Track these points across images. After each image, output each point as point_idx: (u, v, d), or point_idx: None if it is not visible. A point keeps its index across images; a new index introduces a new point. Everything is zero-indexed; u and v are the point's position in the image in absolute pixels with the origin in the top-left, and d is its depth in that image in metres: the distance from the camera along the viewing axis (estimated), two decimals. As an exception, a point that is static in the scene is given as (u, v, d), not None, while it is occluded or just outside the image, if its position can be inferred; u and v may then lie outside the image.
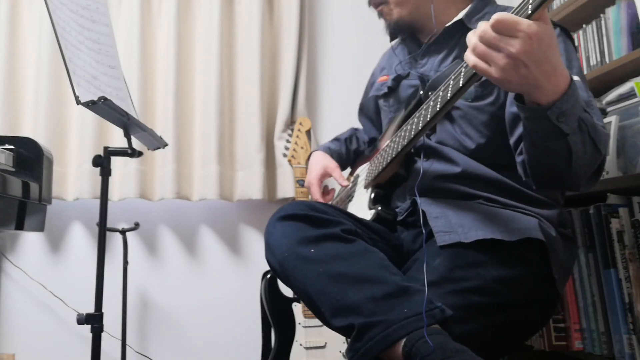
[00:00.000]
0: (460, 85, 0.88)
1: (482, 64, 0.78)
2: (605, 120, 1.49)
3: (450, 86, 0.91)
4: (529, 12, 0.74)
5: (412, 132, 1.05)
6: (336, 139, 1.53)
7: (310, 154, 1.51)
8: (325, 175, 1.40)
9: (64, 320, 2.11)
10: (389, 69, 1.37)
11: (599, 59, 1.64)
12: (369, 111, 1.45)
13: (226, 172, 2.18)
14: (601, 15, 1.63)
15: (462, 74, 0.88)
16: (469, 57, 0.79)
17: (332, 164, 1.40)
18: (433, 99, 0.98)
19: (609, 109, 1.54)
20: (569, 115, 0.82)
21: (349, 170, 1.53)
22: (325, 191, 1.46)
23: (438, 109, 0.95)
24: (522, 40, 0.73)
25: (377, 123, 1.44)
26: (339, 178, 1.37)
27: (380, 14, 1.30)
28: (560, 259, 1.01)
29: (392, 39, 1.40)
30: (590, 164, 0.91)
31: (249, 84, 2.21)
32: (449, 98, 0.91)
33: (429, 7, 1.21)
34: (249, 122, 2.19)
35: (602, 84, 1.57)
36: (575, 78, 0.99)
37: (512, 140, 1.04)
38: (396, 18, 1.26)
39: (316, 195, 1.39)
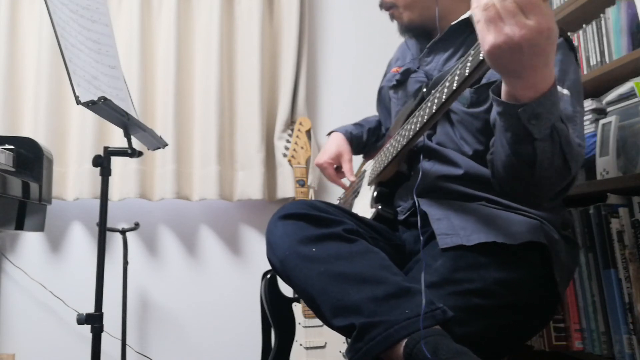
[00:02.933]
0: (454, 88, 0.87)
1: (483, 25, 0.74)
2: (605, 120, 1.49)
3: (446, 88, 0.91)
4: None
5: (411, 132, 1.05)
6: (360, 124, 1.51)
7: (330, 132, 1.51)
8: (337, 161, 1.41)
9: (64, 320, 2.11)
10: (402, 60, 1.37)
11: (599, 59, 1.64)
12: (385, 101, 1.42)
13: (226, 172, 2.18)
14: (601, 15, 1.63)
15: (457, 76, 0.87)
16: (476, 13, 0.75)
17: (347, 155, 1.41)
18: (430, 100, 0.98)
19: (609, 109, 1.54)
20: (542, 120, 0.79)
21: (360, 158, 1.53)
22: (339, 171, 1.46)
23: (434, 111, 0.95)
24: (533, 26, 0.70)
25: (391, 113, 1.43)
26: (347, 172, 1.37)
27: (392, 17, 1.29)
28: (562, 261, 1.00)
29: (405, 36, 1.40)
30: (556, 179, 0.88)
31: (249, 84, 2.21)
32: (443, 100, 0.92)
33: (431, 9, 1.20)
34: (249, 122, 2.19)
35: (602, 84, 1.57)
36: (565, 91, 0.99)
37: (491, 141, 1.01)
38: (407, 21, 1.25)
39: (332, 177, 1.41)
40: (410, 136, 1.05)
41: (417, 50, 1.32)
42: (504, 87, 0.82)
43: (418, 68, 1.26)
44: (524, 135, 0.82)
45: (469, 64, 0.84)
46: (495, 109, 0.85)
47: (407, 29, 1.27)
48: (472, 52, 0.84)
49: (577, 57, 1.10)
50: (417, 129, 1.02)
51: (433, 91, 0.98)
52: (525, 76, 0.76)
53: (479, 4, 0.74)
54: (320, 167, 1.42)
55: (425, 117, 0.98)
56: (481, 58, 0.79)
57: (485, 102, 1.09)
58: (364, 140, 1.48)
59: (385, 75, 1.46)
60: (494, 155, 0.93)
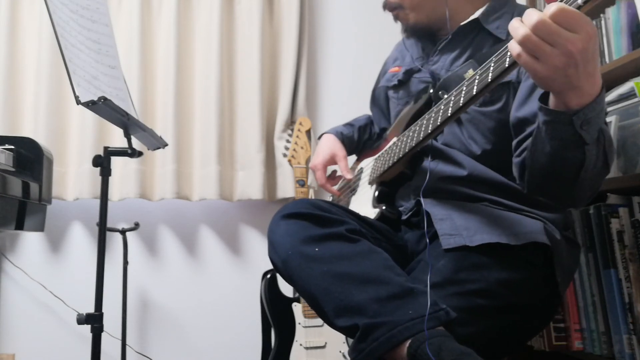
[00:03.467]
0: (474, 93, 0.86)
1: (528, 58, 0.71)
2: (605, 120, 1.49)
3: (463, 92, 0.89)
4: (580, 3, 0.69)
5: (422, 134, 1.04)
6: (350, 124, 1.51)
7: (321, 135, 1.49)
8: (332, 162, 1.40)
9: (64, 320, 2.11)
10: (401, 60, 1.35)
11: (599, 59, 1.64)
12: (380, 101, 1.42)
13: (226, 172, 2.18)
14: (601, 15, 1.63)
15: (477, 81, 0.86)
16: (514, 47, 0.72)
17: (340, 153, 1.39)
18: (445, 102, 0.96)
19: (609, 109, 1.54)
20: (592, 124, 0.78)
21: (354, 158, 1.52)
22: (332, 176, 1.45)
23: (449, 114, 0.93)
24: (584, 37, 0.68)
25: (387, 113, 1.41)
26: (343, 169, 1.36)
27: (397, 18, 1.27)
28: (564, 262, 1.00)
29: (407, 37, 1.39)
30: (596, 179, 0.88)
31: (249, 84, 2.21)
32: (461, 105, 0.89)
33: (444, 8, 1.18)
34: (249, 122, 2.19)
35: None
36: None
37: (514, 141, 1.02)
38: (413, 22, 1.23)
39: (321, 180, 1.38)
40: (421, 138, 1.04)
41: (418, 50, 1.31)
42: (553, 98, 0.79)
43: (421, 67, 1.25)
44: (574, 141, 0.80)
45: (491, 70, 0.82)
46: (541, 118, 0.82)
47: (412, 30, 1.26)
48: (495, 58, 0.83)
49: None
50: (429, 131, 1.01)
51: (447, 95, 0.96)
52: (582, 85, 0.74)
53: (517, 39, 0.71)
54: (314, 169, 1.40)
55: (439, 119, 0.97)
56: (507, 65, 0.77)
57: (498, 101, 1.08)
58: (356, 139, 1.48)
59: (380, 76, 1.45)
60: (532, 161, 0.90)
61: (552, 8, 0.68)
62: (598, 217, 1.37)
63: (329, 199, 1.51)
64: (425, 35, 1.27)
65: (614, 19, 1.59)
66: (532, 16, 0.69)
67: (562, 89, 0.75)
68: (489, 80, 0.82)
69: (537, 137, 0.86)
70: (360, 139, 1.49)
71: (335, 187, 1.44)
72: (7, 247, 2.12)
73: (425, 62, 1.25)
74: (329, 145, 1.42)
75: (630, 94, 1.45)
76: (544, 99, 0.82)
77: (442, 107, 0.97)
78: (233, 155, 2.22)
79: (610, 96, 1.53)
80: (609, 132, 0.84)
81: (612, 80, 1.53)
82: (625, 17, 1.54)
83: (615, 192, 1.37)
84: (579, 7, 0.69)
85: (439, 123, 0.97)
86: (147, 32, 2.19)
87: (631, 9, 1.52)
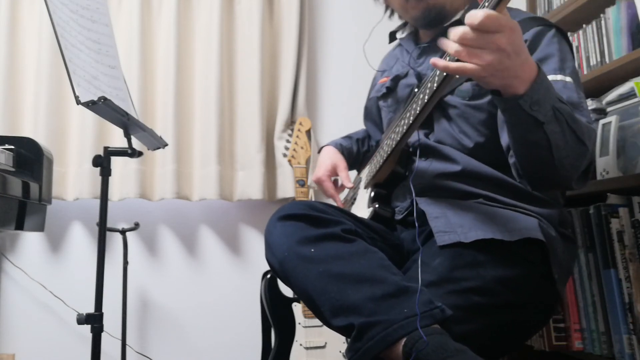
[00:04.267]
0: (445, 74, 0.89)
1: (469, 66, 0.79)
2: (605, 120, 1.49)
3: (437, 76, 0.92)
4: (494, 4, 0.77)
5: (405, 127, 1.06)
6: (348, 137, 1.52)
7: (321, 148, 1.50)
8: (333, 173, 1.40)
9: (64, 320, 2.11)
10: (389, 71, 1.37)
11: (599, 59, 1.64)
12: (373, 114, 1.44)
13: (226, 172, 2.18)
14: (601, 15, 1.63)
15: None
16: (449, 66, 0.81)
17: (342, 164, 1.40)
18: (422, 91, 0.99)
19: (609, 109, 1.54)
20: (542, 104, 0.84)
21: (354, 173, 1.53)
22: (336, 185, 1.46)
23: (426, 100, 0.96)
24: (507, 33, 0.76)
25: (381, 126, 1.44)
26: (344, 179, 1.37)
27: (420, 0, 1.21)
28: (560, 259, 1.01)
29: (390, 41, 1.41)
30: (576, 156, 0.91)
31: (249, 84, 2.21)
32: (435, 88, 0.93)
33: (457, 1, 1.20)
34: (249, 122, 2.19)
35: (602, 84, 1.57)
36: (568, 79, 1.01)
37: (503, 143, 1.05)
38: (441, 3, 1.20)
39: (331, 190, 1.39)
40: (404, 131, 1.06)
41: (405, 54, 1.33)
42: (504, 91, 0.85)
43: (407, 72, 1.26)
44: (532, 123, 0.86)
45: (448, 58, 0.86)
46: (499, 109, 0.90)
47: (429, 13, 1.21)
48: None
49: (569, 42, 1.11)
50: (411, 122, 1.02)
51: (422, 87, 1.00)
52: (520, 73, 0.82)
53: (450, 51, 0.80)
54: (319, 181, 1.40)
55: (418, 108, 0.99)
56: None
57: (487, 94, 1.09)
58: (355, 151, 1.49)
59: (371, 89, 1.47)
60: (515, 156, 0.95)
61: (475, 15, 0.76)
62: (598, 217, 1.37)
63: (329, 199, 1.52)
64: (432, 24, 1.24)
65: (614, 19, 1.58)
66: (457, 31, 0.78)
67: (505, 82, 0.82)
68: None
69: (507, 129, 0.93)
70: (359, 152, 1.50)
71: (341, 199, 1.45)
72: (7, 247, 2.13)
73: (412, 65, 1.27)
74: (330, 156, 1.43)
75: (630, 94, 1.45)
76: (495, 90, 0.87)
77: (421, 95, 0.99)
78: (233, 155, 2.22)
79: (610, 96, 1.53)
80: (567, 109, 0.89)
81: (612, 80, 1.53)
82: (625, 17, 1.54)
83: (615, 192, 1.37)
84: (494, 8, 0.77)
85: (418, 111, 0.99)
86: (147, 32, 2.19)
87: (631, 9, 1.52)
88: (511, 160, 1.00)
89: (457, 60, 0.80)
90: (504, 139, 1.03)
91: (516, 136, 0.91)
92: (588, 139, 0.92)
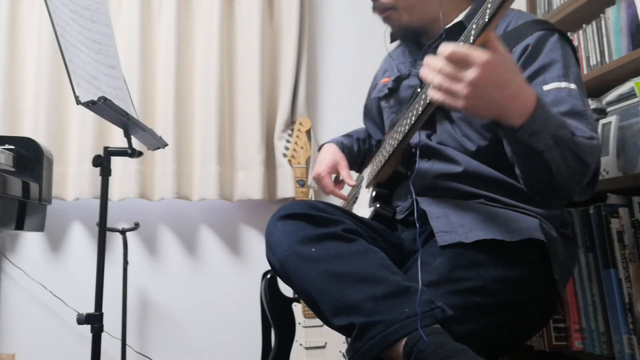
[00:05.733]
0: None
1: (449, 99, 0.81)
2: (605, 120, 1.49)
3: None
4: (471, 40, 0.81)
5: (407, 127, 1.05)
6: (349, 135, 1.52)
7: (322, 145, 1.49)
8: (334, 170, 1.40)
9: (64, 320, 2.11)
10: (390, 71, 1.37)
11: (599, 59, 1.64)
12: (373, 114, 1.44)
13: (226, 172, 2.18)
14: (601, 15, 1.63)
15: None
16: (435, 96, 0.83)
17: (343, 161, 1.40)
18: (424, 92, 0.99)
19: (609, 109, 1.54)
20: (541, 134, 0.86)
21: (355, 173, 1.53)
22: (336, 181, 1.45)
23: (428, 101, 0.95)
24: (478, 67, 0.78)
25: (381, 125, 1.43)
26: (346, 177, 1.36)
27: (387, 20, 1.26)
28: (560, 259, 1.01)
29: (392, 41, 1.40)
30: (578, 175, 0.94)
31: (249, 84, 2.21)
32: None
33: (435, 11, 1.19)
34: (249, 122, 2.19)
35: (602, 84, 1.57)
36: (572, 86, 1.01)
37: (508, 152, 1.04)
38: (405, 23, 1.23)
39: (330, 187, 1.38)
40: (406, 130, 1.05)
41: (405, 57, 1.33)
42: (499, 120, 0.87)
43: (409, 73, 1.26)
44: (531, 152, 0.88)
45: (473, 29, 0.86)
46: (501, 135, 0.93)
47: (403, 32, 1.26)
48: (463, 38, 0.88)
49: (573, 47, 1.11)
50: (413, 122, 1.02)
51: (425, 87, 0.99)
52: (509, 106, 0.83)
53: (432, 84, 0.83)
54: (318, 177, 1.39)
55: (420, 109, 0.99)
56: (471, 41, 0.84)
57: None
58: (355, 150, 1.48)
59: (374, 88, 1.46)
60: (518, 171, 0.98)
61: (445, 52, 0.79)
62: (598, 217, 1.37)
63: (329, 199, 1.52)
64: (413, 37, 1.27)
65: (614, 19, 1.59)
66: (433, 64, 0.81)
67: (493, 113, 0.84)
68: None
69: (509, 151, 0.96)
70: (359, 151, 1.50)
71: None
72: (7, 247, 2.13)
73: (414, 67, 1.26)
74: (331, 153, 1.42)
75: (630, 94, 1.45)
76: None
77: (423, 96, 0.99)
78: (233, 155, 2.22)
79: (610, 96, 1.53)
80: (568, 135, 0.90)
81: (612, 80, 1.53)
82: (625, 17, 1.54)
83: (615, 192, 1.37)
84: (473, 42, 0.80)
85: (420, 112, 0.99)
86: (147, 32, 2.19)
87: (631, 9, 1.52)
88: (516, 170, 1.00)
89: None
90: (509, 149, 1.04)
91: (517, 160, 0.94)
92: (590, 157, 0.94)
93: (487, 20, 0.80)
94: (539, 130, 0.85)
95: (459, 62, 0.79)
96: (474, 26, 0.82)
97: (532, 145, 0.86)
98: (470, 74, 0.78)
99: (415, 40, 1.28)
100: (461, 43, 0.85)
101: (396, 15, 1.24)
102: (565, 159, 0.89)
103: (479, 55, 0.78)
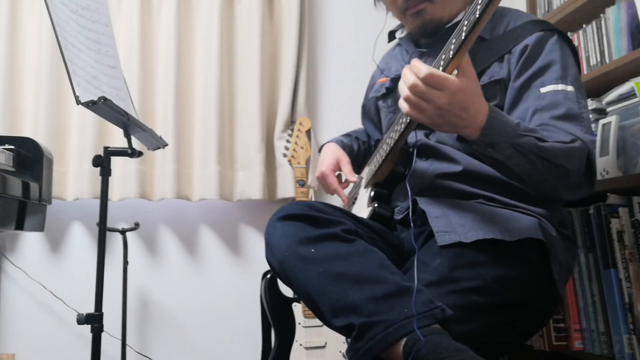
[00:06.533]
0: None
1: (414, 112, 0.88)
2: (605, 120, 1.49)
3: None
4: (441, 66, 0.88)
5: (403, 126, 1.06)
6: (348, 135, 1.51)
7: (322, 146, 1.49)
8: (337, 167, 1.38)
9: (64, 320, 2.11)
10: (388, 71, 1.37)
11: (599, 59, 1.64)
12: (371, 114, 1.44)
13: (226, 172, 2.18)
14: (601, 15, 1.63)
15: (441, 66, 0.90)
16: (403, 106, 0.90)
17: (344, 158, 1.38)
18: None
19: (609, 109, 1.54)
20: (497, 145, 0.90)
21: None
22: (340, 179, 1.45)
23: None
24: (448, 93, 0.85)
25: (379, 125, 1.43)
26: (348, 173, 1.35)
27: (418, 14, 1.22)
28: (560, 259, 1.01)
29: (389, 41, 1.41)
30: (553, 179, 0.95)
31: (249, 84, 2.21)
32: None
33: (460, 8, 1.21)
34: (249, 122, 2.19)
35: (602, 84, 1.57)
36: (569, 88, 1.01)
37: None
38: (438, 17, 1.21)
39: (335, 184, 1.36)
40: (402, 129, 1.06)
41: (405, 55, 1.32)
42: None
43: None
44: (494, 161, 0.93)
45: (442, 61, 0.90)
46: None
47: (433, 27, 1.23)
48: (444, 50, 0.89)
49: (573, 48, 1.10)
50: (408, 121, 1.02)
51: None
52: (469, 124, 0.89)
53: (402, 97, 0.90)
54: (322, 176, 1.37)
55: None
56: (451, 56, 0.88)
57: (493, 99, 1.09)
58: (355, 149, 1.47)
59: (371, 88, 1.46)
60: None
61: (423, 72, 0.85)
62: (598, 217, 1.37)
63: (329, 199, 1.52)
64: (432, 34, 1.25)
65: (614, 19, 1.58)
66: (409, 78, 0.87)
67: (454, 129, 0.91)
68: (451, 56, 0.89)
69: None
70: (359, 150, 1.49)
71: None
72: (7, 247, 2.13)
73: None
74: (333, 151, 1.42)
75: (630, 94, 1.45)
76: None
77: None
78: (233, 155, 2.22)
79: (610, 96, 1.53)
80: (531, 141, 0.92)
81: (612, 80, 1.53)
82: (625, 17, 1.54)
83: (615, 192, 1.37)
84: (447, 65, 0.87)
85: None
86: (147, 32, 2.19)
87: (631, 9, 1.52)
88: None
89: None
90: None
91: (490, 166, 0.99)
92: (567, 160, 0.95)
93: (463, 38, 0.84)
94: (494, 142, 0.90)
95: (435, 84, 0.85)
96: (452, 46, 0.87)
97: (491, 156, 0.92)
98: (441, 98, 0.85)
99: (433, 34, 1.25)
100: (443, 56, 0.90)
101: (431, 8, 1.20)
102: (532, 164, 0.92)
103: (453, 82, 0.85)
